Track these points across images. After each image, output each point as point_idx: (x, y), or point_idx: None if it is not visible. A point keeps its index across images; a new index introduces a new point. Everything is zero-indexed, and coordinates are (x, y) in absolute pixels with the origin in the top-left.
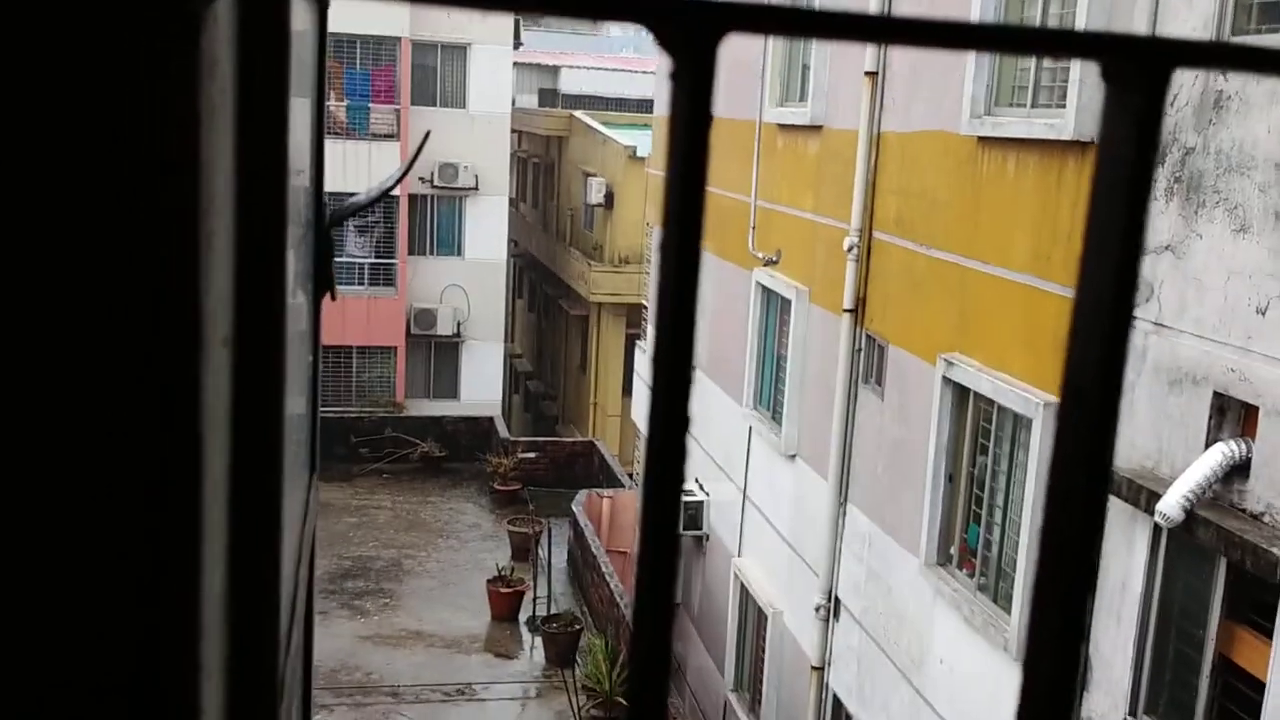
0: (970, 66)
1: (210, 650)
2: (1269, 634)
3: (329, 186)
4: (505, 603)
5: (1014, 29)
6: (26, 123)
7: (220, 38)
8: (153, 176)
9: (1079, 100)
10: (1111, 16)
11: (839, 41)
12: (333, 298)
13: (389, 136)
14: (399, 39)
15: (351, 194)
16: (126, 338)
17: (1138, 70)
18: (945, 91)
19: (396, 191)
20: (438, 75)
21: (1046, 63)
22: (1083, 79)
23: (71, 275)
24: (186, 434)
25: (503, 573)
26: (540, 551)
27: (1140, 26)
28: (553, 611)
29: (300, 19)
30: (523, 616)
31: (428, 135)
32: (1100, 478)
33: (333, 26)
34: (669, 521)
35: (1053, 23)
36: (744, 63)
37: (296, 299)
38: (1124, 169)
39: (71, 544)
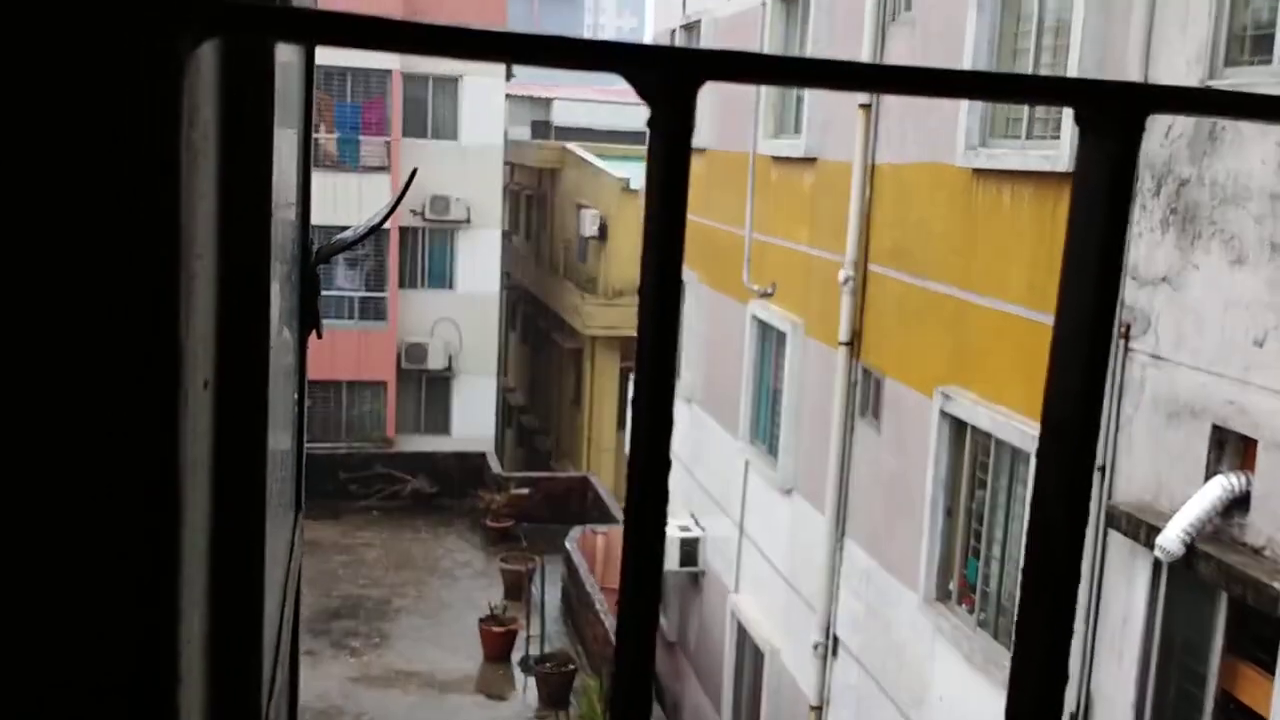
0: (964, 100)
1: (191, 693)
2: (1272, 670)
3: (319, 219)
4: (498, 642)
5: (987, 75)
6: (12, 165)
7: (204, 83)
8: (133, 220)
9: (1074, 131)
10: (1105, 49)
11: (811, 88)
12: (318, 335)
13: (380, 169)
14: (390, 71)
15: (341, 227)
16: (104, 382)
17: (1111, 117)
18: (939, 123)
19: (387, 225)
20: (429, 107)
21: None
22: None
23: (50, 318)
24: (164, 477)
25: (495, 612)
26: (533, 590)
27: (1133, 59)
28: (546, 651)
29: (286, 52)
30: (515, 656)
31: (414, 173)
32: (1079, 511)
33: (324, 59)
34: (653, 554)
35: (1046, 55)
36: (737, 96)
37: (282, 336)
38: (1099, 213)
39: (45, 580)
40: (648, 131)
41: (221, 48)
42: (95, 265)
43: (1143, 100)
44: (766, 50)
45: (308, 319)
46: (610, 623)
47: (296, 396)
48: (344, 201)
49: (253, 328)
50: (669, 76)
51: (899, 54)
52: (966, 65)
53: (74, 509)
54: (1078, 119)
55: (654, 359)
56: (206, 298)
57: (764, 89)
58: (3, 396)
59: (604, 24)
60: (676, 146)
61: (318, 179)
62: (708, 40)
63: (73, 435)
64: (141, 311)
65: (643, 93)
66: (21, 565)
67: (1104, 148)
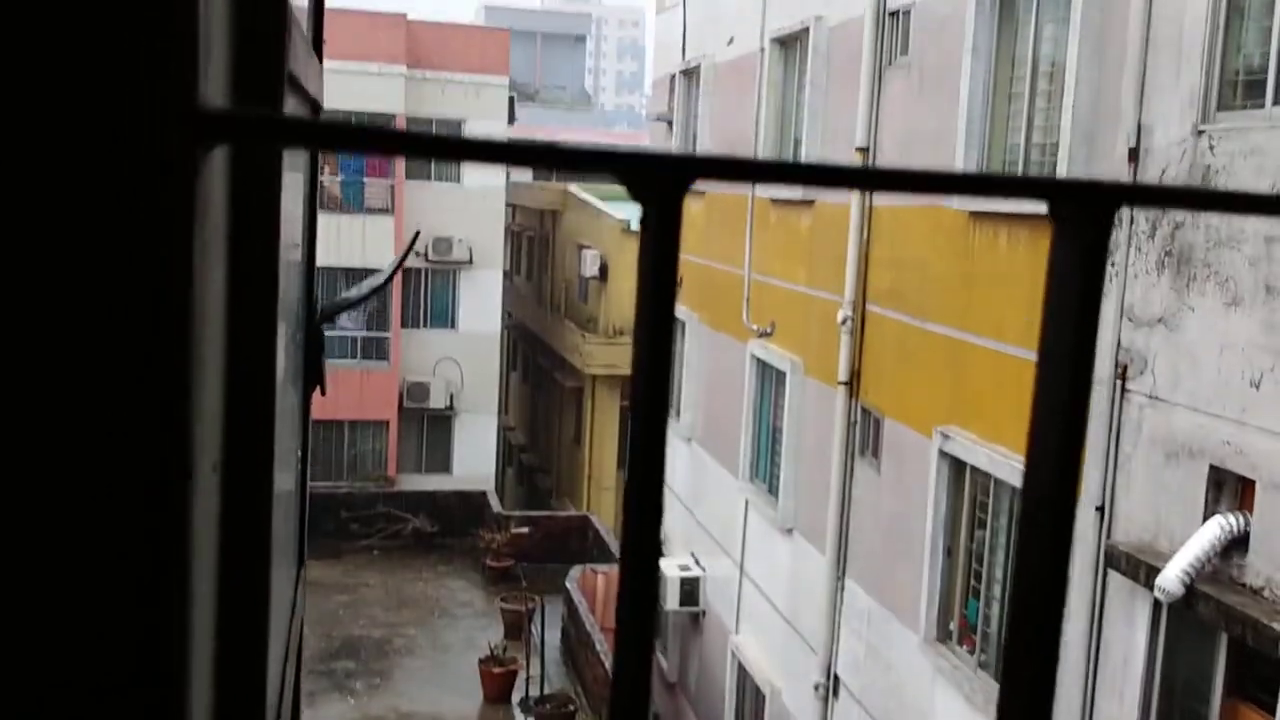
0: (961, 140)
1: None
2: (1272, 710)
3: (323, 261)
4: (498, 683)
5: (965, 176)
6: (28, 256)
7: (215, 181)
8: (145, 320)
9: (1068, 173)
10: (1099, 93)
11: (798, 185)
12: (323, 393)
13: (384, 211)
14: (394, 116)
15: (346, 269)
16: (119, 468)
17: (1081, 212)
18: (936, 165)
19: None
20: None
21: (1036, 138)
22: (1072, 155)
23: (69, 408)
24: (174, 564)
25: (495, 652)
26: (533, 630)
27: (1128, 103)
28: (546, 692)
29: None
30: (516, 697)
31: (417, 235)
32: (1059, 594)
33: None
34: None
35: (1041, 100)
36: (736, 137)
37: (286, 396)
38: (1071, 305)
39: (47, 670)
40: (640, 228)
41: (232, 157)
42: (112, 362)
43: (1112, 197)
44: (764, 93)
45: (312, 377)
46: (610, 664)
47: (300, 453)
48: (349, 243)
49: (258, 407)
50: (660, 178)
51: (896, 96)
52: (962, 107)
53: (79, 600)
54: (1050, 214)
55: (645, 455)
56: (215, 383)
57: (762, 131)
58: (13, 484)
59: (605, 68)
60: (666, 244)
61: (322, 220)
62: (707, 83)
63: (82, 526)
64: (154, 396)
65: (635, 193)
66: (30, 630)
67: (1075, 242)
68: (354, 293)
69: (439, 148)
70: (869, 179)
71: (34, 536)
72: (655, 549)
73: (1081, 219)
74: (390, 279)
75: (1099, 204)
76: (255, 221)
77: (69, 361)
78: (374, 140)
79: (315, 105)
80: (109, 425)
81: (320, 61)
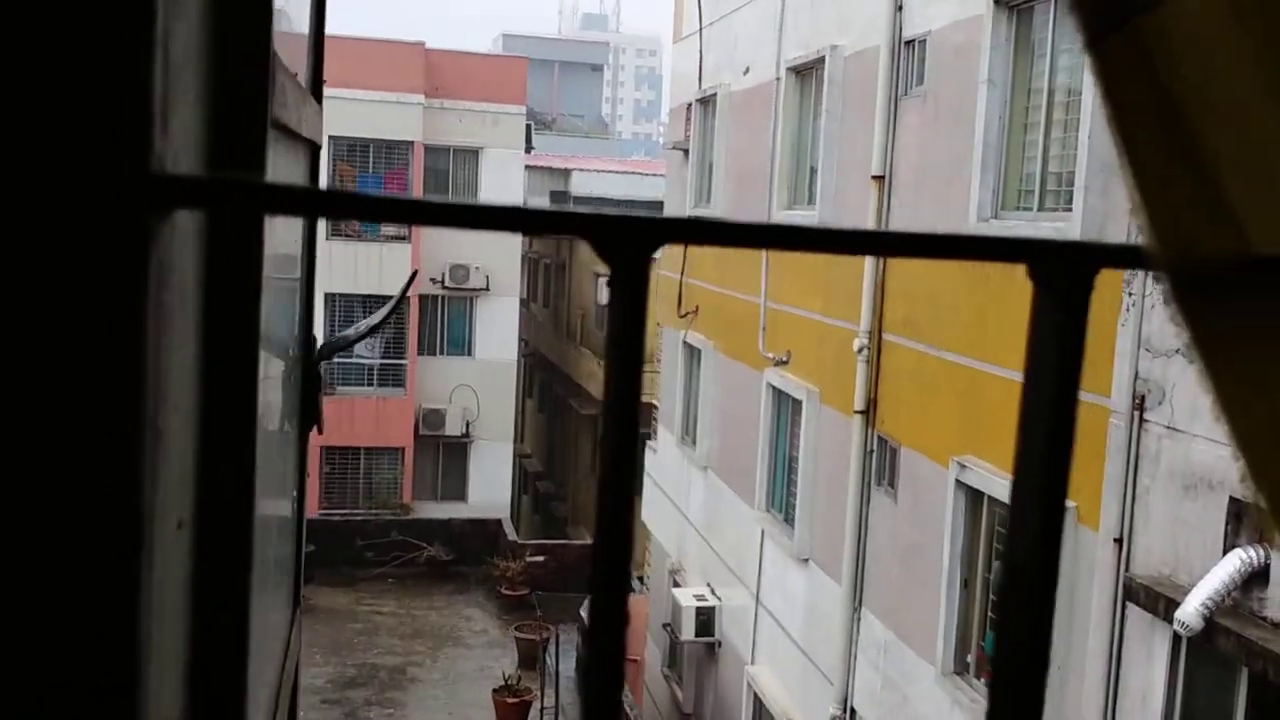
0: (977, 170)
1: None
2: None
3: (341, 288)
4: (512, 713)
5: (938, 237)
6: None
7: (181, 242)
8: (93, 384)
9: (1085, 203)
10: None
11: (764, 248)
12: (319, 432)
13: (400, 239)
14: (411, 143)
15: (363, 295)
16: (61, 534)
17: (1061, 274)
18: (952, 194)
19: (408, 293)
20: (450, 178)
21: (1053, 166)
22: (1088, 184)
23: (7, 480)
24: (123, 620)
25: (509, 681)
26: (548, 659)
27: None
28: None
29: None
30: None
31: (414, 274)
32: (1041, 658)
33: (346, 131)
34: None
35: (1057, 130)
36: (752, 167)
37: (284, 433)
38: (1051, 365)
39: None
40: (608, 288)
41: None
42: (55, 428)
43: (1092, 258)
44: (780, 122)
45: (309, 416)
46: (625, 695)
47: (296, 494)
48: (365, 271)
49: (236, 464)
50: (627, 241)
51: (911, 126)
52: (978, 138)
53: (27, 665)
54: (1030, 274)
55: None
56: (184, 440)
57: (778, 159)
58: None
59: (623, 97)
60: (634, 304)
61: (340, 248)
62: (723, 112)
63: (28, 588)
64: (100, 461)
65: (603, 254)
66: None
67: (1055, 303)
68: (351, 332)
69: (396, 210)
70: (840, 241)
71: None
72: (623, 589)
73: (1062, 281)
74: (388, 318)
75: (1079, 266)
76: (233, 280)
77: (8, 431)
78: (329, 204)
79: (313, 147)
80: (54, 489)
81: (320, 102)
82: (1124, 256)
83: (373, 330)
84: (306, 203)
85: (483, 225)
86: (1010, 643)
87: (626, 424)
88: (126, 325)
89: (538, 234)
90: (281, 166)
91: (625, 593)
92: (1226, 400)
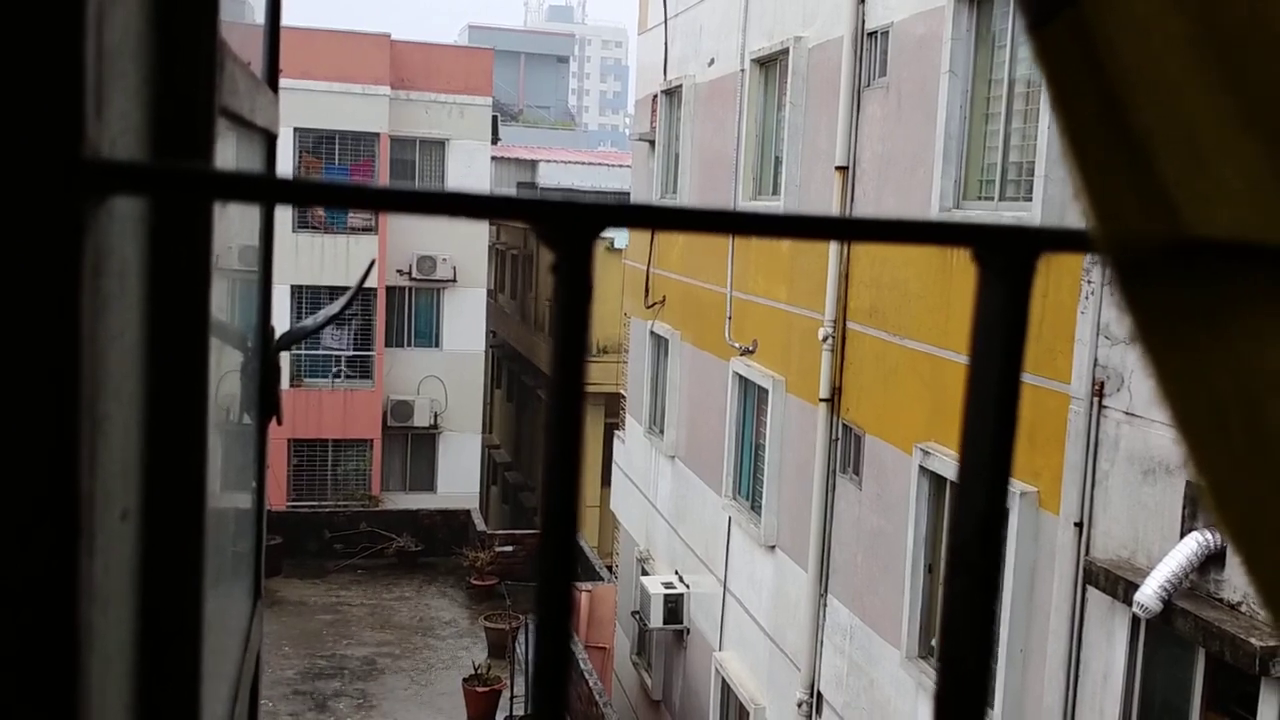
0: (938, 161)
1: None
2: None
3: (308, 280)
4: (482, 702)
5: (890, 222)
6: None
7: (118, 229)
8: (26, 369)
9: (1045, 192)
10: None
11: (706, 233)
12: (278, 422)
13: (367, 230)
14: (378, 134)
15: (330, 288)
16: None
17: (1006, 256)
18: (914, 185)
19: (375, 284)
20: (416, 169)
21: (1013, 156)
22: (1048, 173)
23: None
24: (60, 607)
25: (479, 671)
26: (518, 648)
27: None
28: (530, 711)
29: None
30: (500, 716)
31: (373, 263)
32: (984, 641)
33: (312, 122)
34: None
35: (1017, 120)
36: (718, 157)
37: (242, 424)
38: (996, 347)
39: None
40: (551, 274)
41: (149, 206)
42: None
43: (1035, 241)
44: (744, 113)
45: (267, 407)
46: (594, 682)
47: (256, 485)
48: (331, 263)
49: (186, 458)
50: (569, 227)
51: (874, 117)
52: (940, 127)
53: None
54: (975, 258)
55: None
56: (127, 429)
57: (743, 150)
58: None
59: (589, 88)
60: (578, 289)
61: (306, 240)
62: (688, 103)
63: None
64: (37, 453)
65: (546, 240)
66: None
67: (1000, 285)
68: (309, 322)
69: (340, 195)
70: (787, 225)
71: None
72: (570, 579)
73: (1006, 264)
74: (347, 306)
75: (1023, 249)
76: (180, 267)
77: None
78: (270, 190)
79: (269, 137)
80: None
81: (275, 90)
82: (1067, 240)
83: (332, 319)
84: (242, 188)
85: (427, 210)
86: (954, 631)
87: (571, 410)
88: (60, 311)
89: (481, 218)
90: (234, 156)
91: (572, 576)
92: (1167, 383)
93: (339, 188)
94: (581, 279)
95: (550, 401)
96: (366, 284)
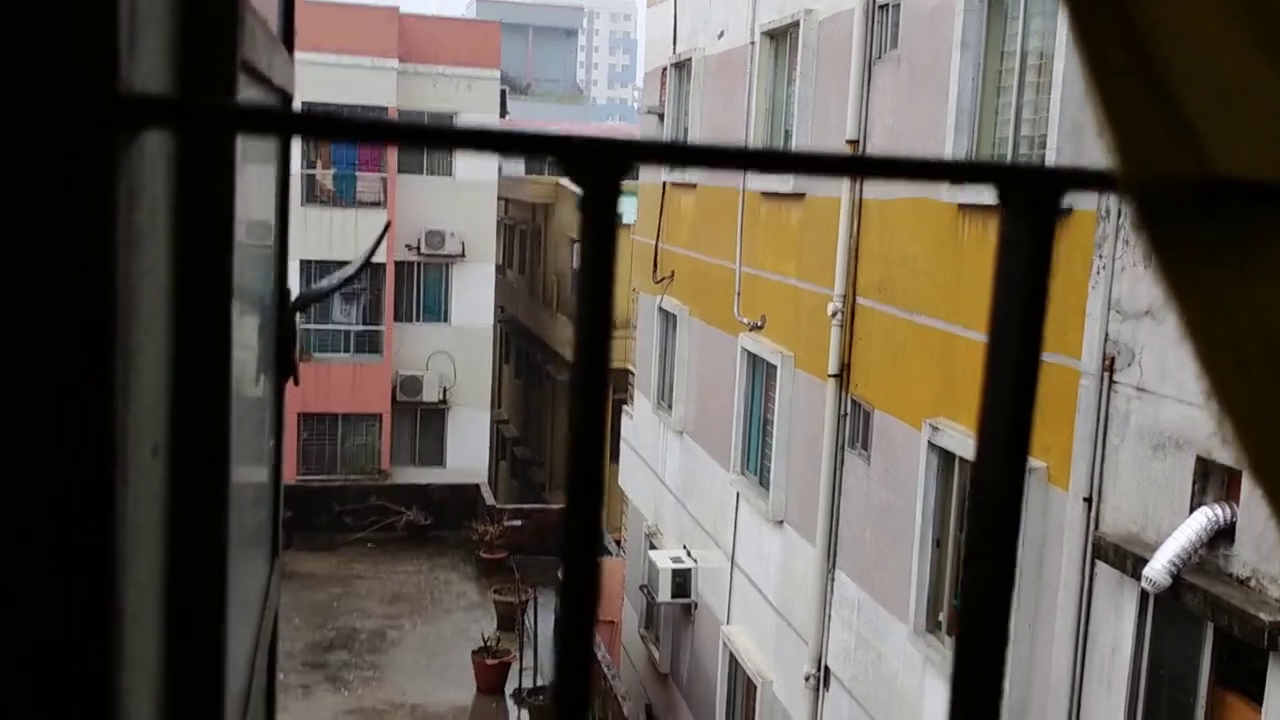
0: (950, 134)
1: None
2: (1259, 700)
3: (317, 254)
4: (491, 674)
5: (907, 161)
6: None
7: (149, 160)
8: (62, 300)
9: (1057, 164)
10: (1082, 115)
11: (730, 170)
12: (295, 383)
13: (376, 204)
14: (386, 108)
15: (340, 261)
16: (33, 456)
17: (1029, 196)
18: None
19: (383, 259)
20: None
21: (1025, 130)
22: (1059, 146)
23: None
24: (99, 551)
25: (488, 643)
26: (527, 621)
27: None
28: (540, 683)
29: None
30: (509, 688)
31: (388, 225)
32: (1006, 580)
33: (319, 97)
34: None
35: (1029, 92)
36: (728, 130)
37: (259, 385)
38: (1020, 287)
39: None
40: (579, 211)
41: (177, 141)
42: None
43: (1059, 181)
44: (754, 86)
45: (284, 367)
46: (603, 655)
47: (273, 442)
48: (341, 237)
49: (211, 397)
50: (598, 162)
51: (886, 89)
52: (951, 100)
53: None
54: (1000, 198)
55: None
56: (157, 364)
57: (753, 123)
58: None
59: (597, 62)
60: (605, 225)
61: (315, 214)
62: (698, 76)
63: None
64: (72, 381)
65: (574, 177)
66: None
67: (1024, 225)
68: (325, 283)
69: (365, 130)
70: (811, 163)
71: None
72: (596, 536)
73: (1030, 204)
74: (362, 269)
75: (1047, 189)
76: (205, 207)
77: None
78: (297, 124)
79: (285, 96)
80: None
81: (290, 52)
82: (1090, 180)
83: (347, 281)
84: (274, 122)
85: (452, 145)
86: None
87: (599, 347)
88: (96, 242)
89: (507, 154)
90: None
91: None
92: (1189, 320)
93: (373, 124)
94: (609, 215)
95: (578, 336)
96: (375, 259)
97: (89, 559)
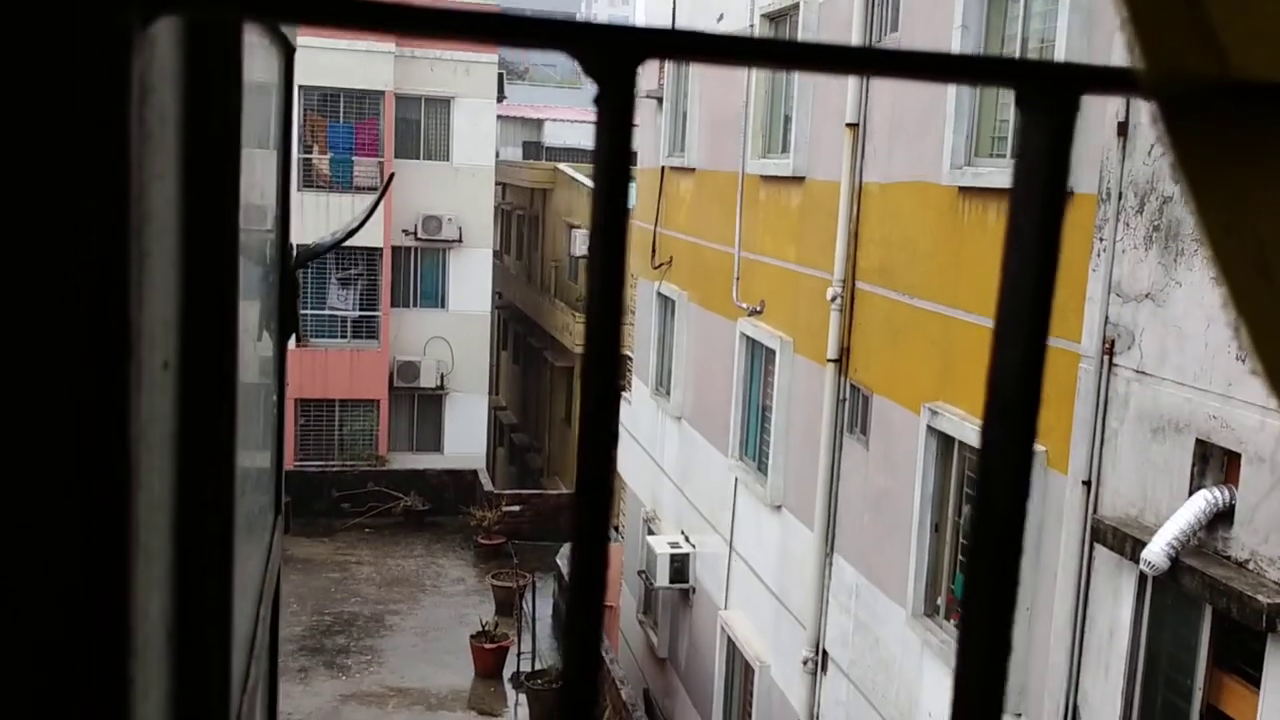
0: (950, 117)
1: (149, 674)
2: (1256, 682)
3: (313, 239)
4: (489, 659)
5: (921, 54)
6: None
7: (160, 64)
8: (75, 196)
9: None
10: (1091, 36)
11: (750, 65)
12: (299, 341)
13: (373, 189)
14: (383, 93)
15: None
16: (47, 351)
17: (1048, 96)
18: (925, 142)
19: (380, 244)
20: (421, 128)
21: None
22: None
23: None
24: (115, 449)
25: (486, 628)
26: (525, 606)
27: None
28: (538, 668)
29: (265, 70)
30: (507, 673)
31: (391, 177)
32: (1022, 493)
33: (317, 80)
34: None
35: (1034, 40)
36: (727, 117)
37: (262, 341)
38: (1038, 191)
39: None
40: (595, 105)
41: (183, 31)
42: (39, 240)
43: (1079, 78)
44: (754, 71)
45: (288, 323)
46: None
47: (276, 399)
48: (337, 221)
49: (219, 310)
50: (613, 54)
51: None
52: (952, 86)
53: (20, 484)
54: (1018, 99)
55: (599, 358)
56: (166, 278)
57: (752, 107)
58: None
59: None
60: (620, 119)
61: (311, 199)
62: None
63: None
64: (86, 280)
65: (589, 69)
66: None
67: (1042, 125)
68: (328, 238)
69: (375, 15)
70: (826, 57)
71: None
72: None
73: (1048, 104)
74: (363, 223)
75: (1066, 86)
76: (214, 111)
77: None
78: (303, 7)
79: (287, 49)
80: (41, 301)
81: None
82: (1111, 79)
83: (349, 234)
84: (279, 7)
85: (458, 34)
86: (988, 477)
87: (615, 256)
88: (111, 129)
89: (517, 45)
90: (263, 65)
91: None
92: (1208, 223)
93: (383, 8)
94: (625, 111)
95: (593, 241)
96: (372, 244)
97: (104, 459)
